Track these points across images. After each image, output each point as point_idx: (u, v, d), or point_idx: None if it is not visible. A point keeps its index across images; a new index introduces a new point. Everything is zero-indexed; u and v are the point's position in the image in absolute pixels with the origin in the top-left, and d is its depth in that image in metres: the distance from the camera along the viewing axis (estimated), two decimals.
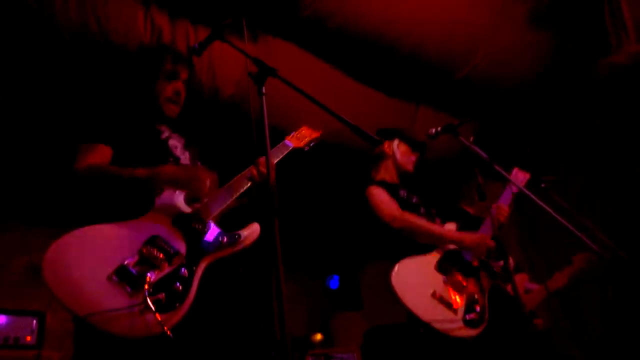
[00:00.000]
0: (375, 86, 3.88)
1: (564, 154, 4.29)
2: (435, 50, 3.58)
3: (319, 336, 5.67)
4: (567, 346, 4.02)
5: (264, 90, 1.70)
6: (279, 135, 2.22)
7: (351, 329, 5.26)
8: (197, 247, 1.75)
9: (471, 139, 2.43)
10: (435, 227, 2.60)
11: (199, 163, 2.17)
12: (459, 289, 2.37)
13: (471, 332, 2.24)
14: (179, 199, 1.85)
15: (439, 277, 2.39)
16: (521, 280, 3.20)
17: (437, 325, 2.18)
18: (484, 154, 2.37)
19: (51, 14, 2.84)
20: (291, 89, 1.79)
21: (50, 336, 3.74)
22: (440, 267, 2.43)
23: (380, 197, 2.64)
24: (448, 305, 2.29)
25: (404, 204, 2.67)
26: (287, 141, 2.28)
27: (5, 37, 2.94)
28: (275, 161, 2.11)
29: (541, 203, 2.31)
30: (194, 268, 1.69)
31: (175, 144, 2.14)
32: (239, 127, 3.10)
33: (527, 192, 2.43)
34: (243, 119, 3.43)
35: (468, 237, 2.54)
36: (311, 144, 2.37)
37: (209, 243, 1.78)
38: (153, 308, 1.50)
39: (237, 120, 3.35)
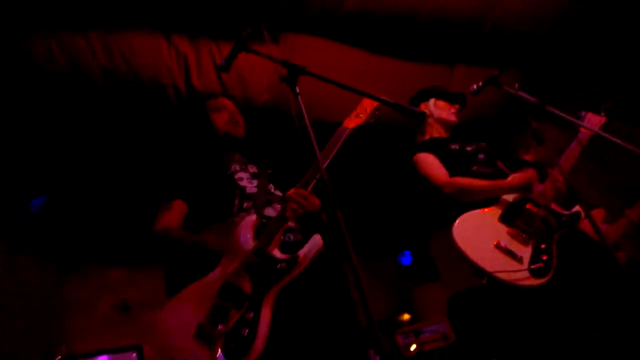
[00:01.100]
0: (404, 57, 3.79)
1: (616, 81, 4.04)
2: (457, 4, 3.44)
3: (406, 316, 5.67)
4: None
5: (298, 90, 1.69)
6: (323, 129, 2.19)
7: (434, 300, 5.22)
8: (260, 283, 1.76)
9: (516, 86, 2.33)
10: (486, 182, 2.47)
11: (270, 186, 2.24)
12: (524, 239, 2.28)
13: (537, 281, 2.16)
14: (246, 238, 1.89)
15: (503, 228, 2.32)
16: (598, 215, 3.05)
17: (501, 275, 2.12)
18: (533, 99, 2.27)
19: (85, 70, 3.03)
20: (323, 81, 1.78)
21: None
22: (504, 218, 2.36)
23: (427, 162, 2.57)
24: (512, 255, 2.22)
25: (458, 157, 2.60)
26: (344, 125, 2.11)
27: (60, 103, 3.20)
28: (334, 152, 1.98)
29: (618, 141, 2.18)
30: (259, 307, 1.71)
31: (241, 175, 2.24)
32: (282, 131, 3.15)
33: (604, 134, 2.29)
34: (283, 121, 3.49)
35: (516, 178, 2.45)
36: (377, 113, 2.16)
37: (269, 275, 1.78)
38: None
39: (279, 124, 3.39)
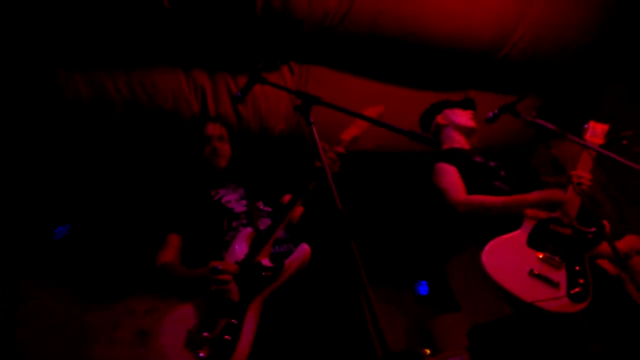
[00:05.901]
0: (419, 86, 3.80)
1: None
2: (471, 36, 3.45)
3: (427, 351, 5.52)
4: None
5: (312, 120, 1.73)
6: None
7: (453, 331, 5.09)
8: (247, 291, 1.83)
9: (533, 114, 2.30)
10: (502, 199, 2.39)
11: (260, 203, 2.31)
12: (557, 263, 2.20)
13: (578, 307, 2.08)
14: (241, 248, 1.97)
15: (533, 254, 2.24)
16: (631, 240, 2.95)
17: (542, 304, 2.04)
18: (551, 126, 2.24)
19: (108, 102, 3.12)
20: (337, 111, 1.80)
21: None
22: (532, 242, 2.27)
23: (448, 174, 2.51)
24: (549, 281, 2.14)
25: (481, 170, 2.55)
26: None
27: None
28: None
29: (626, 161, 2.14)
30: (243, 314, 1.76)
31: (229, 198, 2.29)
32: (296, 158, 3.19)
33: (605, 151, 2.25)
34: (298, 149, 3.53)
35: (537, 193, 2.35)
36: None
37: (255, 283, 1.84)
38: None
39: (293, 152, 3.42)
